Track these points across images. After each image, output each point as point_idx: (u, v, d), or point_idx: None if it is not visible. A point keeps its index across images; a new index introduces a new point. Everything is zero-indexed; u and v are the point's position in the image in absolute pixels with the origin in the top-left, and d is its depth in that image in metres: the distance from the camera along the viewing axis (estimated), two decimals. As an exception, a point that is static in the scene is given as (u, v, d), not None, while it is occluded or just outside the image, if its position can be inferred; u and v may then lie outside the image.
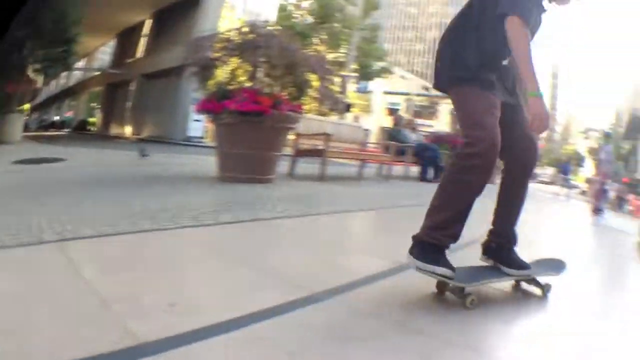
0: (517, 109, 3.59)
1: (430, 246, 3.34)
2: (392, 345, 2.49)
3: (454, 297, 3.37)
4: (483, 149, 3.19)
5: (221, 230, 4.58)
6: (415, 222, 6.82)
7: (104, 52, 54.86)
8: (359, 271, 3.69)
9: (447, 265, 3.21)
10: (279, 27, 30.95)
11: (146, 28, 39.11)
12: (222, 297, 2.85)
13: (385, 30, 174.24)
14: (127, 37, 43.34)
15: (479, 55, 3.33)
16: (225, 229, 4.63)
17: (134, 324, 2.23)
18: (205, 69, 8.50)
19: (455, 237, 3.41)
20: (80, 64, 53.62)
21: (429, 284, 3.51)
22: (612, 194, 29.94)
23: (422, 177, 14.46)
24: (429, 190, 9.61)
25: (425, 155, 14.61)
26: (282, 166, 9.26)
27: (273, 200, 6.51)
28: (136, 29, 40.44)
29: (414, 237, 3.46)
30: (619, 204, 32.18)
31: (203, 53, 8.50)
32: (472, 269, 3.63)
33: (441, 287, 3.43)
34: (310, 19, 39.31)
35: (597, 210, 16.96)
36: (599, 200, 17.53)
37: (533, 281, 3.79)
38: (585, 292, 4.51)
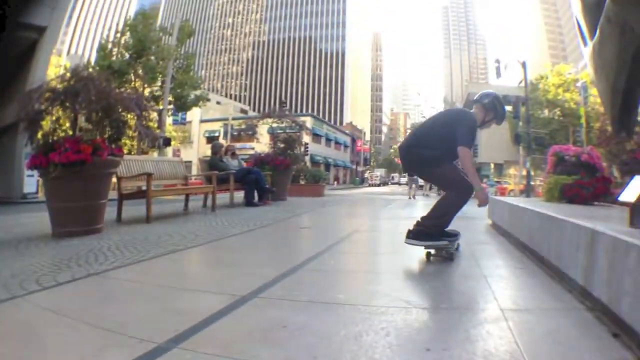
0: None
1: (425, 234, 6.36)
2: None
3: (440, 257, 6.42)
4: (468, 190, 6.28)
5: (61, 291, 4.48)
6: (244, 252, 6.97)
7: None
8: (200, 312, 3.73)
9: (442, 239, 6.40)
10: (97, 68, 30.13)
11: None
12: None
13: (200, 57, 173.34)
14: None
15: (448, 150, 6.26)
16: (64, 289, 4.53)
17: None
18: (33, 122, 8.22)
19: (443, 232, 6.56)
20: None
21: (269, 316, 3.70)
22: None
23: (248, 202, 14.56)
24: (256, 215, 9.92)
25: (248, 179, 14.70)
26: (110, 212, 9.09)
27: (104, 250, 6.45)
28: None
29: (412, 231, 6.50)
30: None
31: (30, 106, 8.23)
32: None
33: (428, 255, 6.46)
34: (127, 55, 38.40)
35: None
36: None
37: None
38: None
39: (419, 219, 6.59)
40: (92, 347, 3.05)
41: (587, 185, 8.36)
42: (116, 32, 41.02)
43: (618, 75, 5.55)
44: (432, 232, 6.37)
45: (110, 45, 39.02)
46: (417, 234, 6.42)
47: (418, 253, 6.84)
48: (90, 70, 11.43)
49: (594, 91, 48.65)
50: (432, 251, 6.49)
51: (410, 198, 30.19)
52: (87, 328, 3.41)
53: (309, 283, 4.94)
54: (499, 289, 4.81)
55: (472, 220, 11.95)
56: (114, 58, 37.33)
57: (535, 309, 4.20)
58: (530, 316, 3.94)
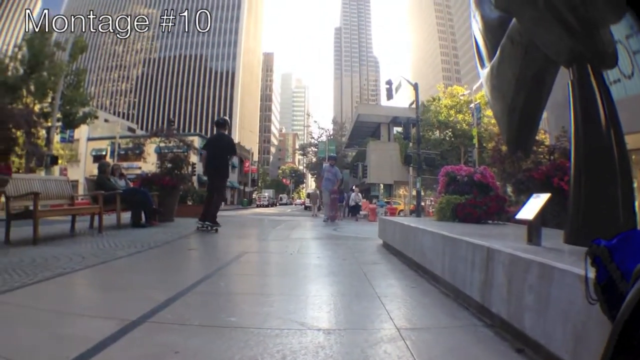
0: None
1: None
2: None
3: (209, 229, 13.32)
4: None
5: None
6: (132, 275, 6.79)
7: None
8: (90, 338, 3.55)
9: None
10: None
11: None
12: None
13: (90, 73, 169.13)
14: None
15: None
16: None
17: None
18: None
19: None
20: None
21: (160, 342, 3.59)
22: (348, 203, 32.50)
23: (135, 223, 14.21)
24: (143, 236, 9.82)
25: (135, 200, 14.41)
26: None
27: (-8, 273, 6.11)
28: None
29: (200, 220, 13.79)
30: (353, 210, 33.85)
31: None
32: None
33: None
34: (21, 70, 36.89)
35: (331, 219, 20.05)
36: (332, 211, 20.67)
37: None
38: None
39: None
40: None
41: (480, 205, 8.51)
42: (15, 46, 39.63)
43: (516, 95, 5.68)
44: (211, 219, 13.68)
45: (7, 60, 37.58)
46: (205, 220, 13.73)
47: (309, 274, 7.08)
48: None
49: (487, 112, 49.99)
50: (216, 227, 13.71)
51: (314, 215, 31.57)
52: (-24, 355, 3.20)
53: (199, 306, 4.85)
54: (394, 309, 4.81)
55: (363, 241, 12.20)
56: (9, 73, 35.96)
57: (432, 327, 4.20)
58: (427, 335, 3.95)
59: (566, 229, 4.71)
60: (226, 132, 14.82)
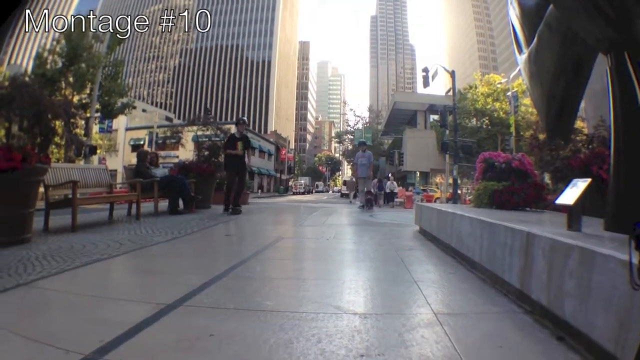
0: None
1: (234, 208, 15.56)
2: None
3: (239, 213, 15.24)
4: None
5: (-9, 301, 4.26)
6: (168, 260, 6.87)
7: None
8: (125, 321, 3.60)
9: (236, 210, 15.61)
10: (32, 77, 29.43)
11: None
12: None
13: (128, 64, 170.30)
14: None
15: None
16: (-5, 299, 4.31)
17: None
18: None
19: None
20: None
21: (196, 325, 3.61)
22: (383, 191, 32.79)
23: (172, 210, 14.35)
24: (180, 223, 9.98)
25: (172, 187, 14.52)
26: (36, 222, 8.74)
27: (32, 260, 6.18)
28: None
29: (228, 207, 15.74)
30: (389, 197, 34.03)
31: None
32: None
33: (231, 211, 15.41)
34: (60, 63, 37.15)
35: (368, 206, 22.22)
36: (370, 197, 21.28)
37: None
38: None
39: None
40: (20, 359, 2.96)
41: (518, 192, 8.39)
42: (53, 39, 39.95)
43: (555, 82, 5.60)
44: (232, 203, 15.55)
45: (46, 54, 37.91)
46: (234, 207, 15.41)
47: (345, 259, 7.10)
48: (27, 79, 11.02)
49: (525, 101, 49.63)
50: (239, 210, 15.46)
51: (351, 202, 32.23)
52: (16, 338, 3.28)
53: (235, 290, 4.86)
54: (431, 294, 4.80)
55: (399, 227, 12.18)
56: (48, 66, 36.30)
57: (469, 313, 4.18)
58: (465, 320, 3.92)
59: (606, 216, 4.65)
60: (239, 130, 16.46)
